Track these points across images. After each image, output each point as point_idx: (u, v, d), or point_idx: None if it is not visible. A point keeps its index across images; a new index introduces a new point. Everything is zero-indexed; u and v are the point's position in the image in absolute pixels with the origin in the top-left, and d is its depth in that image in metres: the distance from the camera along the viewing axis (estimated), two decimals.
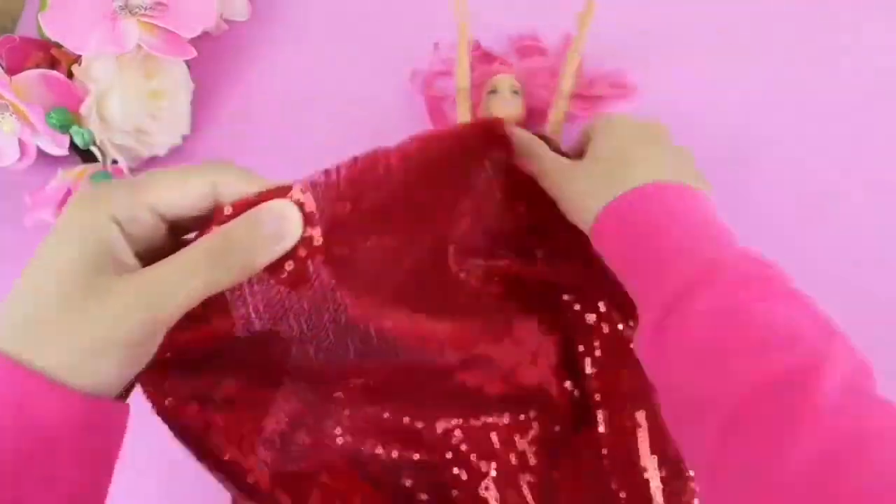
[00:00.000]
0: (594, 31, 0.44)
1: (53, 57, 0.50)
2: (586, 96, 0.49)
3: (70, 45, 0.46)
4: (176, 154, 0.52)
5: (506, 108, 0.46)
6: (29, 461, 0.23)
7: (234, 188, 0.26)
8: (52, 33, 0.46)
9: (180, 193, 0.25)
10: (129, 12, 0.46)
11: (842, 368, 0.24)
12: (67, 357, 0.23)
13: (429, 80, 0.52)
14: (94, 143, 0.47)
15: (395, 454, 0.39)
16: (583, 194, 0.35)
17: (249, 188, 0.26)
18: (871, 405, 0.24)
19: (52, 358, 0.23)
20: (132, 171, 0.49)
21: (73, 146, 0.47)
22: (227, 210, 0.25)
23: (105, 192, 0.24)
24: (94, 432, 0.24)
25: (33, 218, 0.47)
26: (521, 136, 0.37)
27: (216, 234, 0.25)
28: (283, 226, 0.26)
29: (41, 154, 0.48)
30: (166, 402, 0.30)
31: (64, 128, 0.46)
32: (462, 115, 0.46)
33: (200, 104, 0.53)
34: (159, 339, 0.25)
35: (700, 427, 0.26)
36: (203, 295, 0.24)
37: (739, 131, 0.47)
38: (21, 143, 0.47)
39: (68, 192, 0.46)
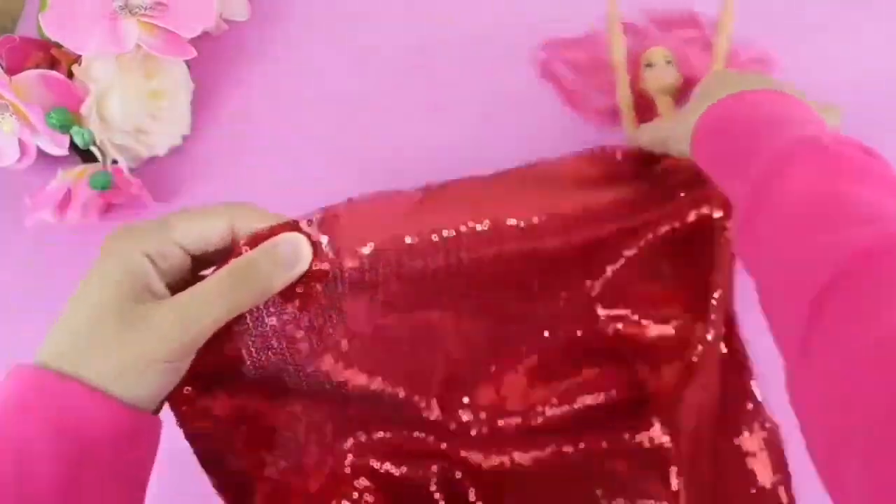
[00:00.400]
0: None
1: (53, 57, 0.50)
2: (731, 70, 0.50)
3: (70, 45, 0.46)
4: (176, 154, 0.52)
5: (665, 78, 0.48)
6: (74, 472, 0.25)
7: (249, 224, 0.29)
8: (52, 33, 0.46)
9: (203, 231, 0.29)
10: (129, 12, 0.46)
11: None
12: (115, 373, 0.26)
13: (551, 63, 0.53)
14: (94, 143, 0.47)
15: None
16: (678, 123, 0.36)
17: (263, 224, 0.29)
18: None
19: (102, 374, 0.26)
20: (132, 170, 0.49)
21: (73, 146, 0.47)
22: (244, 243, 0.29)
23: (138, 231, 0.28)
24: (134, 444, 0.27)
25: (33, 218, 0.47)
26: (641, 132, 0.40)
27: (239, 261, 0.28)
28: (296, 252, 0.29)
29: (41, 154, 0.48)
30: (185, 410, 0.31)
31: (64, 128, 0.46)
32: (622, 88, 0.48)
33: (200, 104, 0.53)
34: (191, 359, 0.28)
35: (796, 297, 0.25)
36: (229, 315, 0.28)
37: (887, 111, 0.47)
38: (21, 143, 0.47)
39: (68, 193, 0.46)
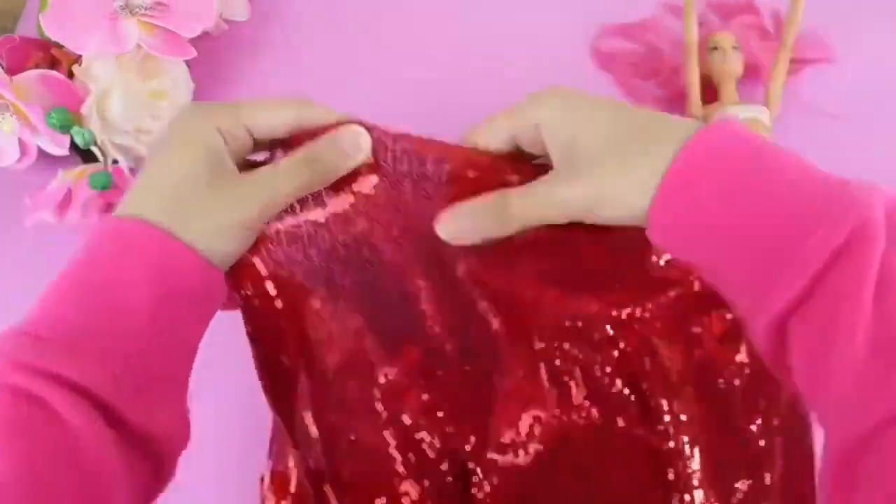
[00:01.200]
0: None
1: (54, 57, 0.50)
2: (792, 58, 0.51)
3: (71, 45, 0.46)
4: None
5: (731, 63, 0.49)
6: (167, 318, 0.28)
7: (314, 117, 0.31)
8: (52, 33, 0.46)
9: (272, 119, 0.31)
10: (130, 12, 0.47)
11: None
12: (210, 234, 0.29)
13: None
14: (95, 143, 0.47)
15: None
16: (612, 198, 0.28)
17: (327, 118, 0.31)
18: None
19: (199, 233, 0.28)
20: (133, 171, 0.49)
21: (73, 146, 0.47)
22: (308, 135, 0.31)
23: (212, 109, 0.30)
24: (211, 300, 0.30)
25: (33, 218, 0.47)
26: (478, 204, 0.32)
27: (311, 146, 0.31)
28: (358, 141, 0.31)
29: (42, 154, 0.48)
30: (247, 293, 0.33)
31: (64, 128, 0.46)
32: (690, 70, 0.49)
33: None
34: (258, 231, 0.31)
35: None
36: (300, 192, 0.31)
37: None
38: (21, 143, 0.47)
39: (69, 193, 0.46)
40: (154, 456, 0.28)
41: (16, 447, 0.24)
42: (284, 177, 0.30)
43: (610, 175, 0.28)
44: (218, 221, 0.29)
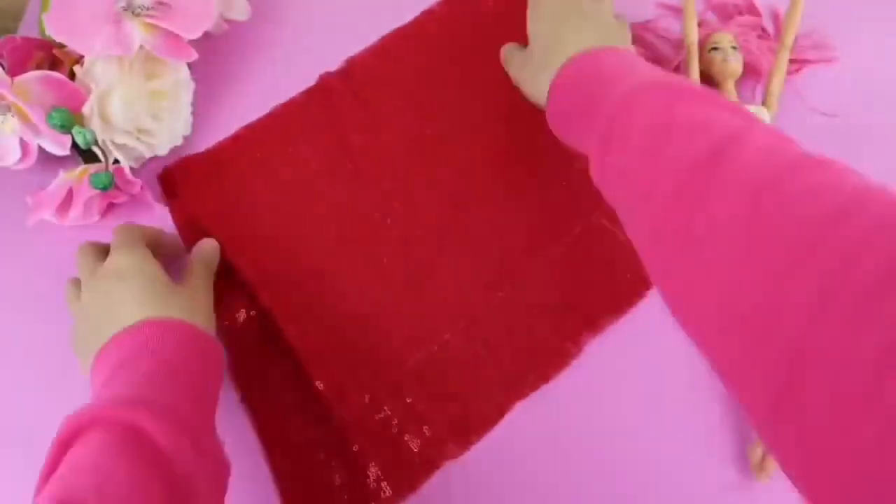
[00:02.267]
0: None
1: (55, 57, 0.50)
2: (791, 58, 0.52)
3: (75, 46, 0.46)
4: (177, 154, 0.52)
5: (731, 63, 0.50)
6: (209, 377, 0.40)
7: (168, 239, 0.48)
8: (55, 34, 0.46)
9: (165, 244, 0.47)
10: (132, 13, 0.47)
11: (762, 136, 0.29)
12: (203, 319, 0.42)
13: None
14: (96, 143, 0.47)
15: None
16: (532, 81, 0.44)
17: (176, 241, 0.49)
18: (794, 153, 0.28)
19: (204, 321, 0.42)
20: (133, 171, 0.49)
21: (74, 147, 0.47)
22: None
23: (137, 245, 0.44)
24: (222, 361, 0.42)
25: (35, 218, 0.47)
26: (511, 56, 0.49)
27: (196, 255, 0.47)
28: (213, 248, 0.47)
29: (42, 155, 0.48)
30: None
31: (65, 128, 0.46)
32: (692, 70, 0.50)
33: (201, 104, 0.53)
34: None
35: (648, 210, 0.31)
36: (211, 276, 0.47)
37: None
38: (22, 144, 0.47)
39: (69, 193, 0.46)
40: (221, 465, 0.37)
41: (124, 462, 0.32)
42: (202, 278, 0.45)
43: (534, 71, 0.43)
44: (206, 314, 0.43)
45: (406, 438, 0.43)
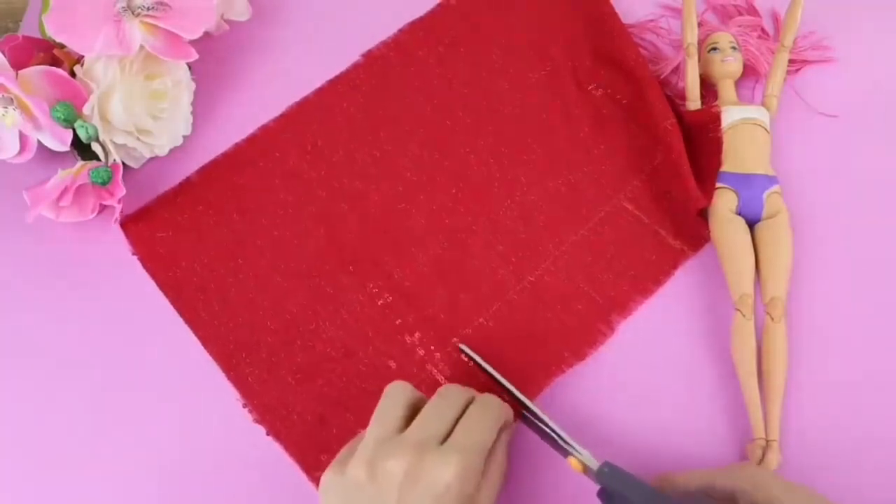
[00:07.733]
0: None
1: (56, 57, 0.51)
2: (791, 59, 0.51)
3: (75, 46, 0.46)
4: (177, 154, 0.52)
5: (730, 63, 0.50)
6: None
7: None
8: (55, 34, 0.46)
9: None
10: (132, 13, 0.47)
11: None
12: None
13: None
14: (97, 139, 0.47)
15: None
16: None
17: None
18: None
19: None
20: (134, 171, 0.49)
21: (73, 144, 0.47)
22: None
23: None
24: None
25: (32, 214, 0.47)
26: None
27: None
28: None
29: (41, 150, 0.48)
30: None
31: (68, 122, 0.46)
32: (690, 70, 0.50)
33: (201, 104, 0.54)
34: None
35: None
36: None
37: None
38: (22, 137, 0.47)
39: (67, 189, 0.46)
40: None
41: None
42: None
43: None
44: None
45: None
